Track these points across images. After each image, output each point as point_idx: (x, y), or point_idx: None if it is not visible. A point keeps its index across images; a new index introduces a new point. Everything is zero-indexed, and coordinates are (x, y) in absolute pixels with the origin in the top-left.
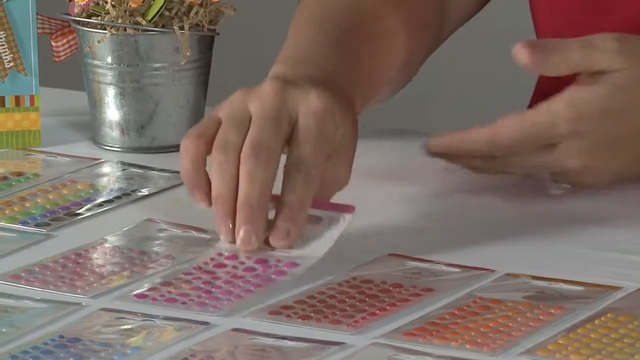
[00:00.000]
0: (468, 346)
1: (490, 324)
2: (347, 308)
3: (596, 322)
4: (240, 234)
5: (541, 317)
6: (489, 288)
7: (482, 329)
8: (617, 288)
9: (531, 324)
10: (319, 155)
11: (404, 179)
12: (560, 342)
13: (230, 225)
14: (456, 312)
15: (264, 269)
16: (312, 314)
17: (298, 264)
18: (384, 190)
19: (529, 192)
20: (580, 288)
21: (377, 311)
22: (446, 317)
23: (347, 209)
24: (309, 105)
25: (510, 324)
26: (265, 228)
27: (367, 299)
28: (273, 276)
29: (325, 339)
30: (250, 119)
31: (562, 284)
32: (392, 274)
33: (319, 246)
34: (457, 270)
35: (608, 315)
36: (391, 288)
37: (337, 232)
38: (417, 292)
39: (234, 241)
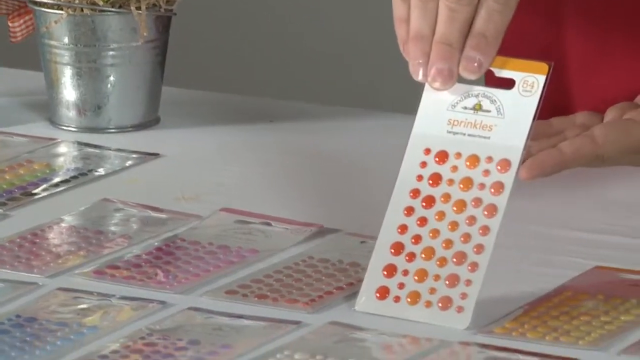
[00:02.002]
0: (440, 306)
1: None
2: (304, 287)
3: (554, 299)
4: (436, 72)
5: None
6: None
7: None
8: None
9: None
10: None
11: None
12: (518, 319)
13: (424, 66)
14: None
15: (225, 253)
16: (268, 293)
17: (258, 251)
18: (336, 168)
19: None
20: (515, 90)
21: (334, 290)
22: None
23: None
24: None
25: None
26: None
27: (324, 278)
28: (233, 259)
29: (281, 318)
30: None
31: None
32: (349, 252)
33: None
34: None
35: (566, 293)
36: (348, 267)
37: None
38: None
39: (426, 79)
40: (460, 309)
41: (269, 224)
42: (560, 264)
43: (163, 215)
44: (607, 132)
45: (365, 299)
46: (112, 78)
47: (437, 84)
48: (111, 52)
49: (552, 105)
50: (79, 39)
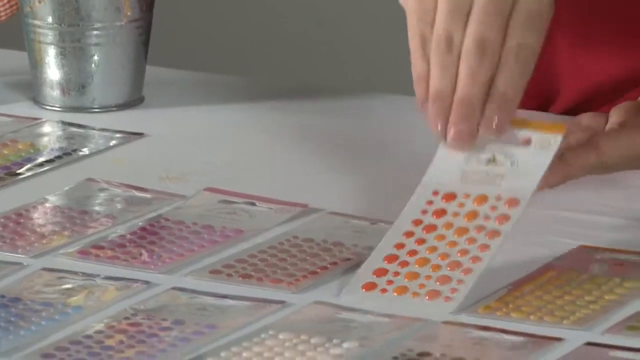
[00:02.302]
0: (427, 299)
1: (442, 275)
2: (288, 267)
3: (538, 279)
4: (453, 132)
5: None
6: None
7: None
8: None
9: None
10: (541, 41)
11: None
12: (502, 299)
13: (443, 125)
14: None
15: (209, 233)
16: (252, 273)
17: (242, 230)
18: (320, 148)
19: None
20: (531, 148)
21: (319, 270)
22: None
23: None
24: None
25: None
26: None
27: (308, 258)
28: (217, 239)
29: (266, 298)
30: (471, 4)
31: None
32: (334, 232)
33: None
34: (383, 225)
35: (550, 272)
36: (332, 247)
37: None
38: (358, 251)
39: (445, 138)
40: (449, 299)
41: (253, 204)
42: (547, 244)
43: (147, 195)
44: (612, 143)
45: (351, 288)
46: (96, 57)
47: (457, 145)
48: (95, 32)
49: (538, 89)
50: (62, 18)
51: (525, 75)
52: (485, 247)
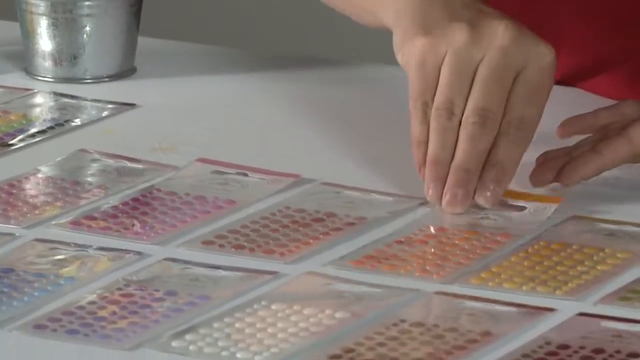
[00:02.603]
0: (417, 274)
1: (438, 252)
2: (281, 237)
3: (529, 250)
4: (449, 195)
5: (488, 245)
6: (433, 216)
7: (430, 257)
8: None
9: (478, 251)
10: (541, 113)
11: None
12: (493, 270)
13: (438, 190)
14: (403, 239)
15: (202, 204)
16: (245, 244)
17: (235, 201)
18: (313, 118)
19: None
20: (525, 213)
21: (311, 240)
22: (393, 245)
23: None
24: (540, 61)
25: (457, 252)
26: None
27: (301, 228)
28: (210, 210)
29: (258, 268)
30: (473, 76)
31: (505, 209)
32: (326, 202)
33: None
34: (391, 199)
35: (541, 243)
36: (324, 217)
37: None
38: (350, 221)
39: (440, 203)
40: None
41: (245, 175)
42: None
43: (139, 166)
44: None
45: None
46: (88, 28)
47: (451, 209)
48: (87, 2)
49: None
50: None
51: (524, 147)
52: (488, 249)
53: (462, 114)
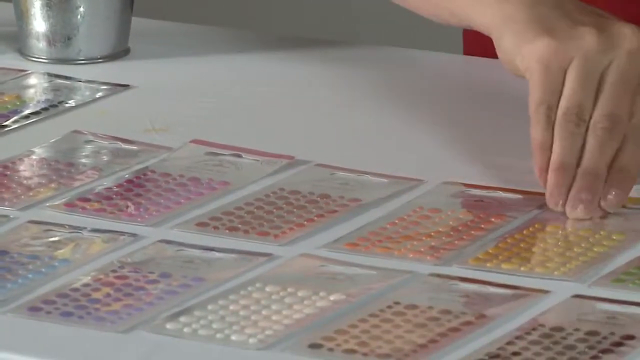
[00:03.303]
0: (411, 256)
1: (432, 234)
2: (275, 219)
3: (524, 232)
4: (576, 201)
5: (482, 226)
6: (426, 197)
7: (424, 239)
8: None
9: (473, 232)
10: None
11: (335, 91)
12: (490, 251)
13: (563, 196)
14: (397, 221)
15: (196, 185)
16: (239, 225)
17: (229, 182)
18: (308, 99)
19: (453, 106)
20: (519, 196)
21: (305, 222)
22: (387, 227)
23: None
24: None
25: (451, 233)
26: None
27: (295, 210)
28: (204, 191)
29: (252, 250)
30: (600, 81)
31: (500, 192)
32: (320, 184)
33: None
34: (385, 180)
35: (536, 225)
36: (318, 199)
37: None
38: (344, 203)
39: (563, 209)
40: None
41: (239, 156)
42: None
43: (134, 147)
44: None
45: None
46: (81, 9)
47: (578, 213)
48: None
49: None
50: None
51: None
52: (482, 230)
53: (590, 119)
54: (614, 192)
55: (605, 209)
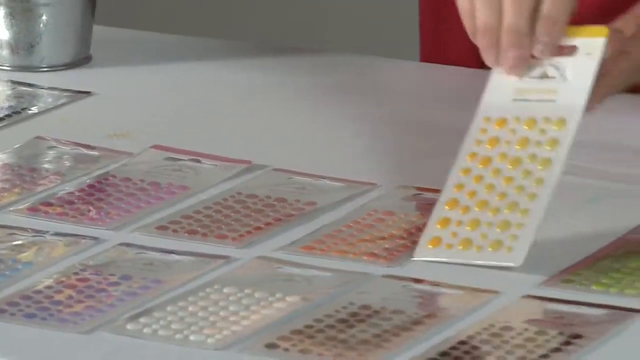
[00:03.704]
0: (365, 258)
1: (386, 236)
2: (232, 222)
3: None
4: (509, 59)
5: None
6: (380, 200)
7: (377, 241)
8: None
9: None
10: None
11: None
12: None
13: (494, 54)
14: (352, 224)
15: (155, 189)
16: (198, 229)
17: (188, 187)
18: (265, 105)
19: (409, 112)
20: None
21: (262, 225)
22: (342, 230)
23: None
24: None
25: (404, 235)
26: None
27: (252, 214)
28: (164, 196)
29: (211, 253)
30: None
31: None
32: (277, 188)
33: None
34: (340, 184)
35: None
36: (275, 203)
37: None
38: (300, 207)
39: (499, 67)
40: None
41: (198, 161)
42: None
43: (95, 153)
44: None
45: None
46: (44, 17)
47: (511, 71)
48: None
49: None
50: None
51: None
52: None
53: None
54: (542, 40)
55: (540, 57)
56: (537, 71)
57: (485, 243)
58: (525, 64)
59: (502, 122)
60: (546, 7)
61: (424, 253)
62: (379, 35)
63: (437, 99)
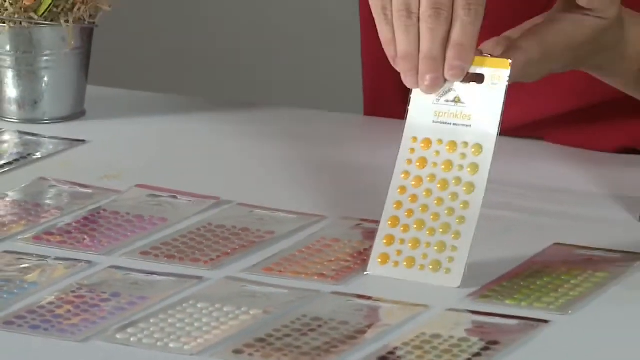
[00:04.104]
0: (316, 278)
1: (333, 259)
2: (204, 248)
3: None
4: (427, 81)
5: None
6: (328, 230)
7: (326, 263)
8: None
9: (365, 258)
10: None
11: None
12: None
13: (414, 77)
14: (304, 249)
15: (140, 221)
16: (175, 254)
17: (167, 219)
18: (230, 150)
19: (351, 155)
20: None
21: (229, 251)
22: (296, 254)
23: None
24: None
25: (348, 259)
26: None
27: (221, 241)
28: (146, 226)
29: (187, 274)
30: None
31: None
32: (241, 220)
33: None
34: (294, 216)
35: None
36: (240, 232)
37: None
38: (261, 235)
39: (417, 86)
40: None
41: (175, 197)
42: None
43: (89, 191)
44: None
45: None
46: (46, 79)
47: (427, 90)
48: (45, 58)
49: None
50: (18, 47)
51: (477, 24)
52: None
53: (419, 11)
54: (453, 65)
55: (451, 80)
56: (451, 94)
57: (426, 262)
58: (439, 85)
59: (427, 142)
60: (456, 35)
61: (375, 269)
62: (325, 90)
63: (376, 147)
